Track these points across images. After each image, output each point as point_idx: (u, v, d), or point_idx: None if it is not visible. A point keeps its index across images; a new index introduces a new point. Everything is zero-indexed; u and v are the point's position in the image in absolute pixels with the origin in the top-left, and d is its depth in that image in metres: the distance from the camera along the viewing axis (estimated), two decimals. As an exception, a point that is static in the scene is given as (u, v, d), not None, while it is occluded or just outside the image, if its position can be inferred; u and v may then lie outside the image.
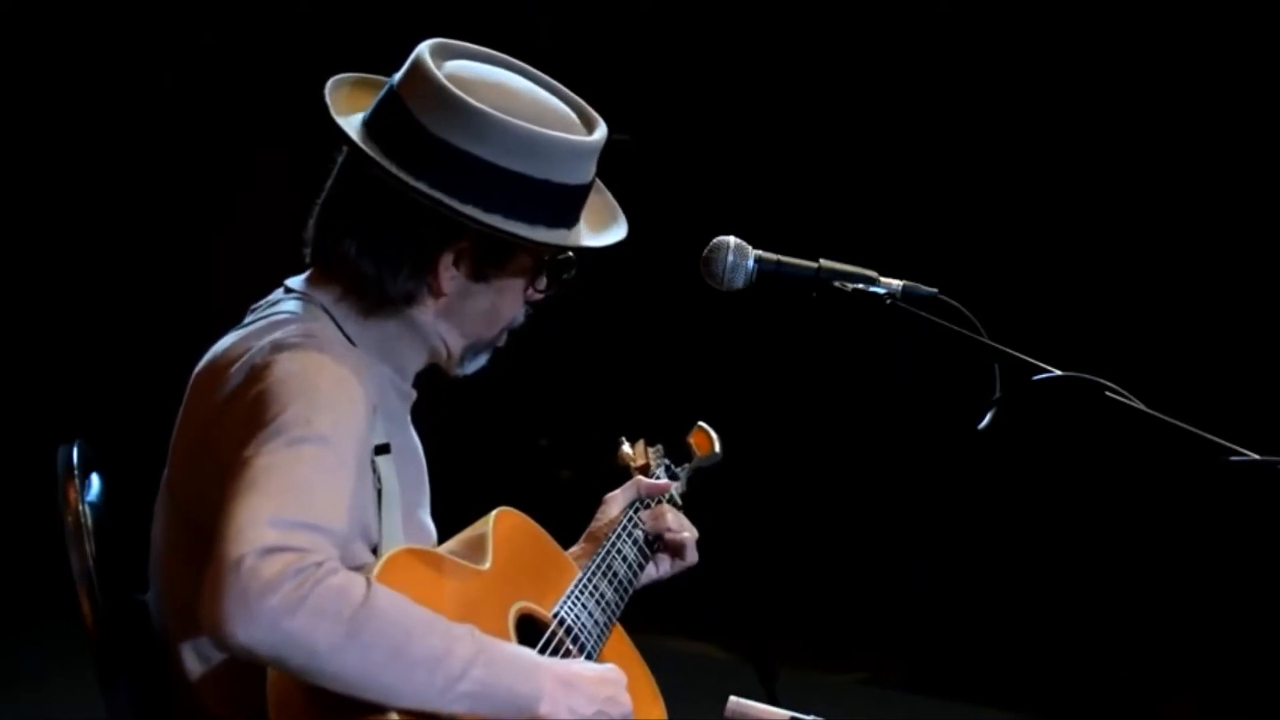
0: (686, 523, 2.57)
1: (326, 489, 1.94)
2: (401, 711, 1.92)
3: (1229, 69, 5.74)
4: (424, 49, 2.22)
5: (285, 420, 1.98)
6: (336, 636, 1.86)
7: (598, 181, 2.30)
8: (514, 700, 1.97)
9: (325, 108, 2.22)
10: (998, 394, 2.24)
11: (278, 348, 2.09)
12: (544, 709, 1.99)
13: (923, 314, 2.28)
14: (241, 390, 2.07)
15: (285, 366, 2.05)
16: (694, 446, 2.73)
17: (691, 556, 2.57)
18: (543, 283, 2.27)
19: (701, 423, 2.76)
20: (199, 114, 6.34)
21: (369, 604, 1.88)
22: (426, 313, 2.23)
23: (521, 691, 1.98)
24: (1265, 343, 5.71)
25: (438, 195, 2.13)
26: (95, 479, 2.30)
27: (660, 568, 2.57)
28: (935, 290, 2.29)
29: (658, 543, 2.55)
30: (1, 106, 6.11)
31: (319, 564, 1.86)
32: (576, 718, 2.02)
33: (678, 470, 2.65)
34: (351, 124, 2.21)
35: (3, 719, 4.87)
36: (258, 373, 2.06)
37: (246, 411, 2.03)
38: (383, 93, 2.23)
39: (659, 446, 2.68)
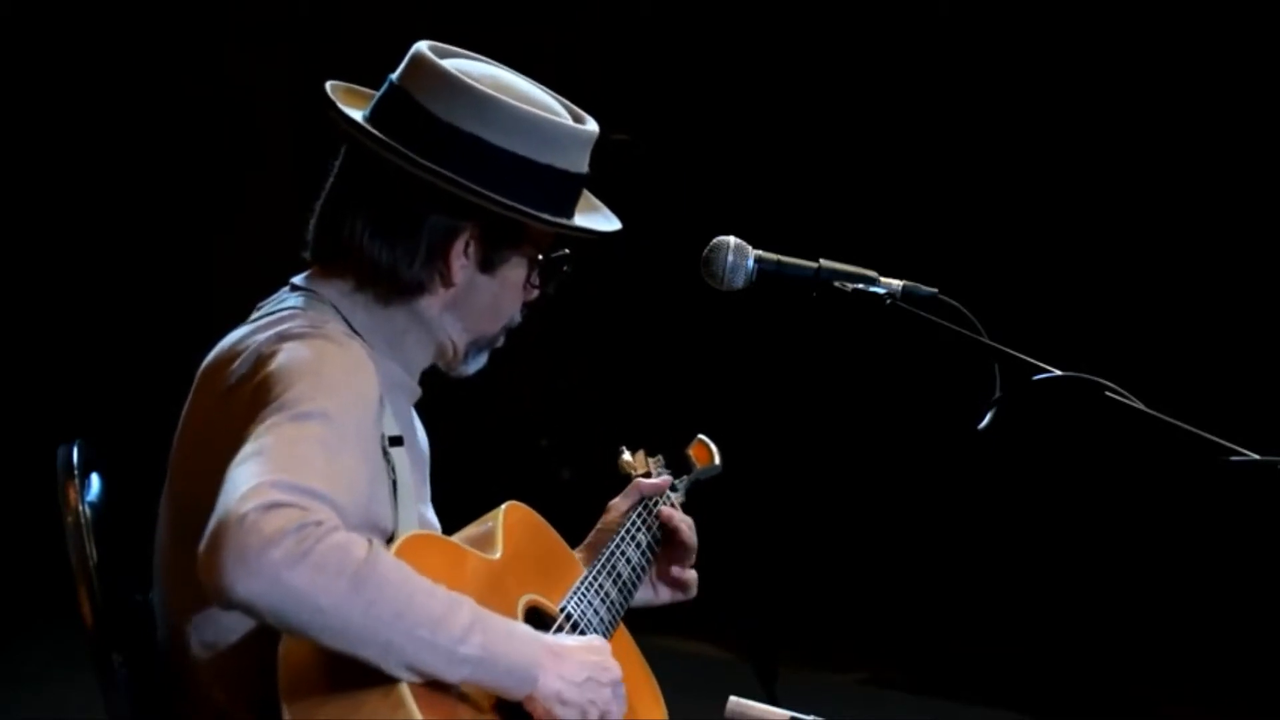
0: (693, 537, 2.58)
1: (328, 463, 1.92)
2: (410, 681, 1.90)
3: (1229, 69, 5.74)
4: (422, 46, 2.25)
5: (289, 398, 1.98)
6: (339, 592, 1.84)
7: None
8: (512, 669, 1.97)
9: (330, 103, 2.23)
10: (998, 394, 2.24)
11: (284, 337, 2.10)
12: (539, 678, 1.99)
13: (923, 314, 2.28)
14: (246, 378, 2.07)
15: (291, 353, 2.06)
16: (693, 458, 2.73)
17: (690, 574, 2.58)
18: (540, 278, 2.28)
19: (701, 435, 2.76)
20: (200, 114, 6.34)
21: (371, 562, 1.86)
22: (434, 305, 2.24)
23: (519, 661, 1.97)
24: (1265, 343, 5.71)
25: (453, 177, 2.15)
26: (95, 479, 2.29)
27: (660, 594, 2.58)
28: (935, 290, 2.29)
29: (662, 546, 2.56)
30: (3, 107, 6.11)
31: (319, 522, 1.84)
32: (568, 684, 2.02)
33: (677, 482, 2.66)
34: (355, 117, 2.23)
35: (3, 719, 4.86)
36: (264, 360, 2.07)
37: (251, 396, 2.03)
38: (383, 89, 2.25)
39: (659, 456, 2.68)
